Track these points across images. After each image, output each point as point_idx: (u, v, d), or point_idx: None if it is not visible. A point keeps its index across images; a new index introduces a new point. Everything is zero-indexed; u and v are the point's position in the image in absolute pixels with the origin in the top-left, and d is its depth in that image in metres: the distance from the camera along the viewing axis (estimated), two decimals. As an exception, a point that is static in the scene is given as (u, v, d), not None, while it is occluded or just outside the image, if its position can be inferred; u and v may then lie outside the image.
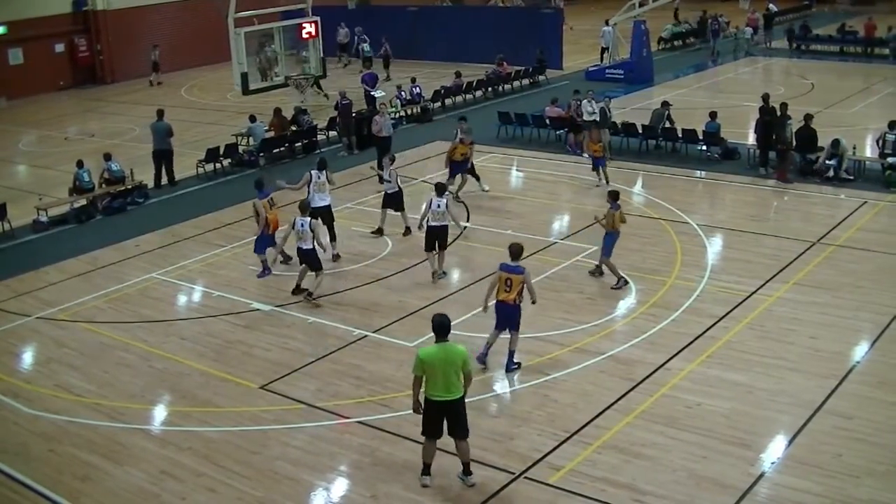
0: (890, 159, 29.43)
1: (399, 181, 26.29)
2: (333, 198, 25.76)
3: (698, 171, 31.87)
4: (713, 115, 33.37)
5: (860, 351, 18.89)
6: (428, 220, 22.83)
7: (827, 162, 30.06)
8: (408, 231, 25.95)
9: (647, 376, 17.95)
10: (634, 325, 20.13)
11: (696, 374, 17.98)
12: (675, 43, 60.11)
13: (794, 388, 17.45)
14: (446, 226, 22.93)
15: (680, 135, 33.60)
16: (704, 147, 33.25)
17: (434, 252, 23.08)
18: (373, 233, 26.32)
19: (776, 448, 15.68)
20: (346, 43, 55.73)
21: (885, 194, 28.46)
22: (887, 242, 24.56)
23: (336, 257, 24.46)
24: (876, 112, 38.42)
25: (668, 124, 34.05)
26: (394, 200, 26.14)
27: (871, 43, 55.64)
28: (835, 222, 26.18)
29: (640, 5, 49.66)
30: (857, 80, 47.73)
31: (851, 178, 29.88)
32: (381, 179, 26.73)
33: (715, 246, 24.89)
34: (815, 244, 24.51)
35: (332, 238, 24.67)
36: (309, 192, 24.52)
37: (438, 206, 22.63)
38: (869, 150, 32.37)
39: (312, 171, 24.77)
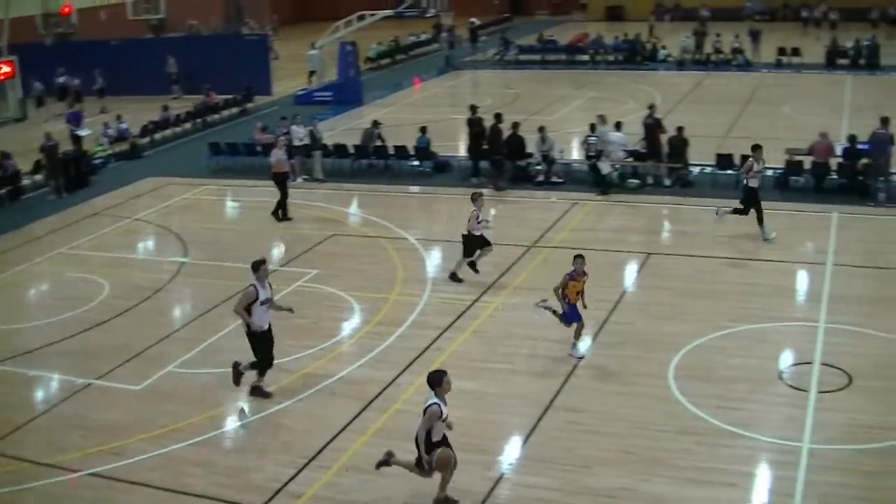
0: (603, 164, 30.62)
1: None
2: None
3: (412, 187, 32.19)
4: (423, 129, 33.81)
5: (582, 346, 19.35)
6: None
7: (537, 167, 30.97)
8: None
9: (379, 394, 17.89)
10: (361, 345, 20.05)
11: (426, 387, 17.93)
12: (382, 62, 60.72)
13: (522, 389, 17.77)
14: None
15: (391, 152, 33.85)
16: (416, 162, 33.63)
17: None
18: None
19: (512, 449, 15.92)
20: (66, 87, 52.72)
21: (593, 194, 29.54)
22: (598, 239, 25.52)
23: None
24: (580, 116, 39.84)
25: (379, 142, 34.24)
26: None
27: (571, 50, 58.44)
28: (548, 225, 26.91)
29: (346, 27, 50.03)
30: (560, 87, 49.56)
31: (561, 180, 30.86)
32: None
33: (434, 259, 25.15)
34: (530, 248, 25.08)
35: None
36: None
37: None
38: (575, 153, 33.51)
39: None
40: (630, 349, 19.35)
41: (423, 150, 33.46)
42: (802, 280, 23.03)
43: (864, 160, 28.97)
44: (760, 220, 25.19)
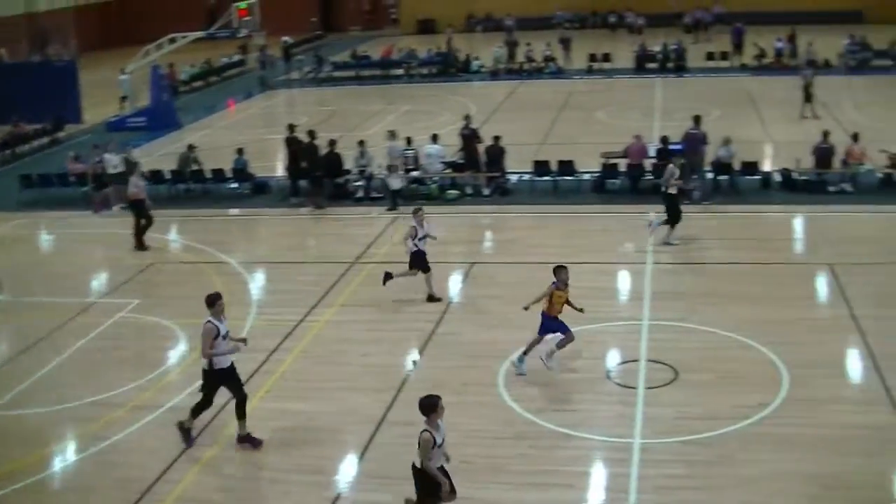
0: (413, 174, 30.89)
1: None
2: None
3: (232, 209, 31.85)
4: (240, 151, 33.47)
5: (411, 359, 19.36)
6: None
7: (356, 183, 31.03)
8: None
9: (210, 421, 17.47)
10: (189, 373, 19.44)
11: (258, 411, 17.73)
12: (195, 84, 59.95)
13: (355, 406, 17.70)
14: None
15: (209, 175, 33.41)
16: (235, 184, 33.28)
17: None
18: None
19: (348, 467, 15.85)
20: None
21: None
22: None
23: None
24: (396, 130, 39.87)
25: (195, 166, 33.75)
26: None
27: (385, 65, 59.25)
28: (370, 240, 26.95)
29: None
30: (375, 102, 49.81)
31: (381, 195, 30.89)
32: None
33: (257, 281, 24.93)
34: (354, 264, 25.02)
35: None
36: None
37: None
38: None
39: None
40: (459, 359, 19.46)
41: (241, 172, 33.12)
42: (624, 280, 23.54)
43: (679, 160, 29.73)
44: (673, 224, 25.51)
